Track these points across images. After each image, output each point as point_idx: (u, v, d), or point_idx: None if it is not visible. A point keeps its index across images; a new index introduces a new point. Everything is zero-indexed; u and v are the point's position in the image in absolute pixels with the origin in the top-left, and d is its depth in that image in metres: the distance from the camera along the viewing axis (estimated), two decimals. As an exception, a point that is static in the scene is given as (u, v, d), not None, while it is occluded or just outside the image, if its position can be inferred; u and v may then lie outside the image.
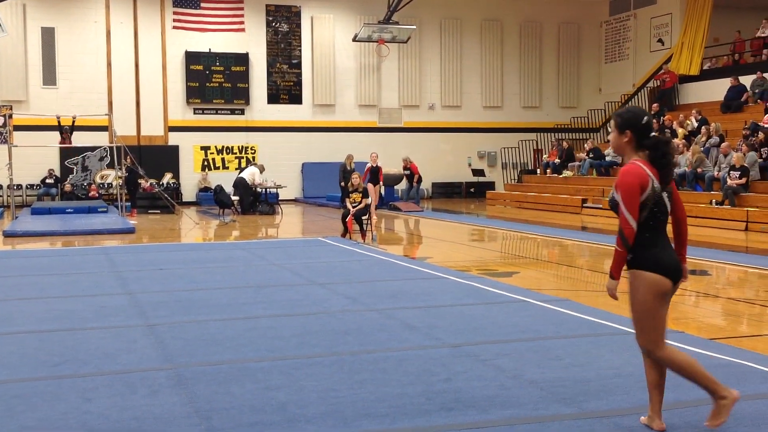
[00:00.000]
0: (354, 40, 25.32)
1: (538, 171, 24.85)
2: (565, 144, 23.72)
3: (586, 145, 22.91)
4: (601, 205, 18.36)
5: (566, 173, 22.57)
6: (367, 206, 13.96)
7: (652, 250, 3.86)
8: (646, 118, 3.96)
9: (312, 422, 4.19)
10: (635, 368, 4.79)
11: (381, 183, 18.32)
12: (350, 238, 13.49)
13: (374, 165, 17.79)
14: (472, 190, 27.01)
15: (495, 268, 10.38)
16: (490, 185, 26.74)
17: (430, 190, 26.94)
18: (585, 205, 19.48)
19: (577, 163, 22.32)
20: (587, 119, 26.88)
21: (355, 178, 14.19)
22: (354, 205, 13.78)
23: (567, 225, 16.34)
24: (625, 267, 3.94)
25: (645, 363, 4.05)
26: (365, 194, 14.03)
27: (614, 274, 3.94)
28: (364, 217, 13.86)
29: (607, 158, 21.11)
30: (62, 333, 6.31)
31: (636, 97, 25.19)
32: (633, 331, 4.05)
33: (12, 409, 4.38)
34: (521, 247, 13.82)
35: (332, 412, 4.35)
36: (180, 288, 8.54)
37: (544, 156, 25.11)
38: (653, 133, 3.93)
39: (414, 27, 25.33)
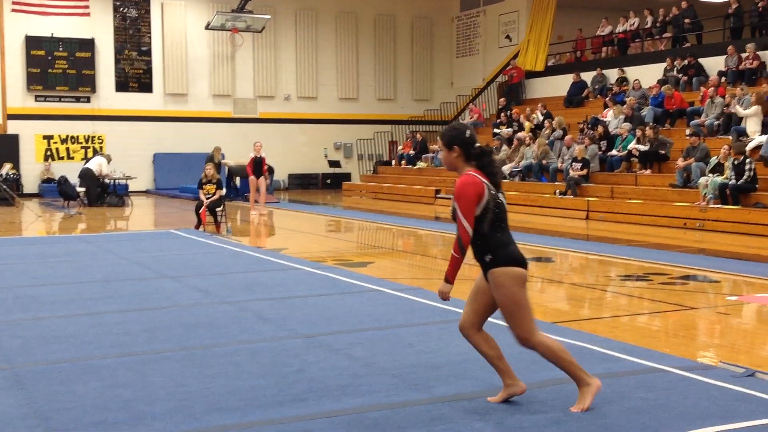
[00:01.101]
0: (207, 28, 24.77)
1: (393, 162, 25.19)
2: (419, 136, 24.15)
3: (439, 138, 23.40)
4: (452, 196, 18.79)
5: (420, 164, 22.99)
6: (222, 197, 13.70)
7: (507, 248, 4.11)
8: (468, 131, 4.25)
9: (159, 419, 4.06)
10: (483, 353, 4.94)
11: (265, 174, 18.01)
12: (204, 230, 13.20)
13: (257, 155, 17.49)
14: (328, 181, 27.04)
15: (350, 259, 10.43)
16: (347, 176, 26.87)
17: (287, 182, 26.78)
18: (438, 195, 19.91)
19: (430, 155, 22.77)
20: (440, 112, 27.47)
21: (209, 169, 13.89)
22: (208, 196, 13.49)
23: (421, 215, 16.65)
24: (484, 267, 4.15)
25: (475, 343, 4.27)
26: (219, 185, 13.77)
27: (450, 279, 4.15)
28: (218, 209, 13.59)
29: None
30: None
31: (486, 91, 25.98)
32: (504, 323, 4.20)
33: None
34: (376, 237, 13.96)
35: (181, 407, 4.24)
36: (19, 284, 8.09)
37: (399, 147, 25.48)
38: (477, 144, 4.21)
39: (269, 16, 25.07)
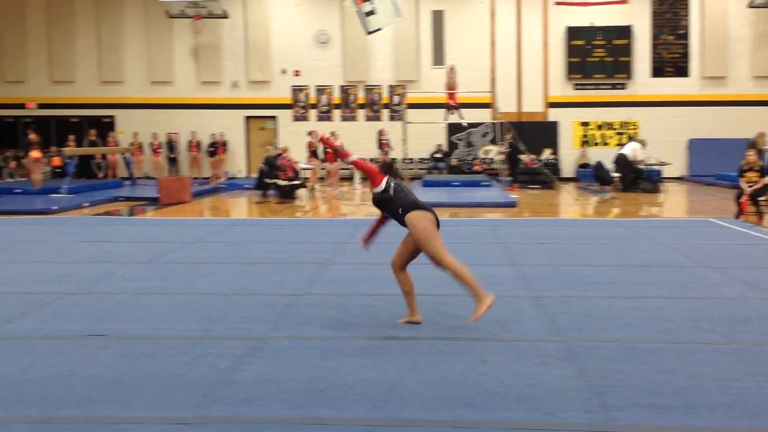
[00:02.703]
0: (750, 6, 23.23)
1: None
2: None
3: None
4: None
5: None
6: (766, 186, 12.78)
7: (413, 201, 5.64)
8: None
9: (713, 411, 3.95)
10: None
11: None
12: (745, 220, 12.47)
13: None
14: None
15: None
16: None
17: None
18: None
19: None
20: None
21: (751, 156, 13.06)
22: (750, 184, 12.69)
23: None
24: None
25: (398, 278, 5.78)
26: (763, 173, 12.85)
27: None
28: (761, 198, 12.71)
29: None
30: (455, 298, 6.64)
31: None
32: None
33: (416, 364, 4.72)
34: None
35: (734, 402, 4.06)
36: (563, 262, 8.56)
37: None
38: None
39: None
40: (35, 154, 18.72)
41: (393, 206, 5.67)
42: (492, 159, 24.67)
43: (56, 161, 22.17)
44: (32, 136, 19.21)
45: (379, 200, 5.77)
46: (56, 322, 5.81)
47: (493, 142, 24.00)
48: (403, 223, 5.63)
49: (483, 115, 23.82)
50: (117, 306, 6.35)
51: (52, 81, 25.49)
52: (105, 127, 25.15)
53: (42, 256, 9.09)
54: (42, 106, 25.52)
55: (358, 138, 24.30)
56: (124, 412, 3.90)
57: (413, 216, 5.54)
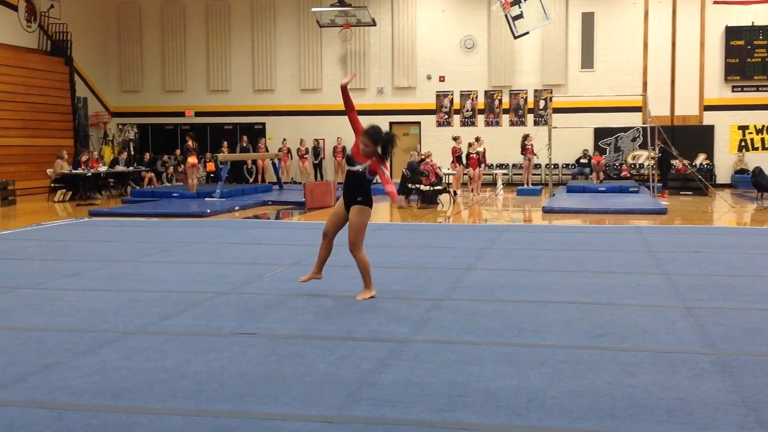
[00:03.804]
0: None
1: None
2: None
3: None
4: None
5: None
6: None
7: (371, 199, 6.71)
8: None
9: None
10: None
11: None
12: None
13: None
14: None
15: None
16: None
17: None
18: None
19: None
20: None
21: None
22: None
23: None
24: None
25: (323, 245, 6.87)
26: None
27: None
28: None
29: None
30: (601, 306, 6.49)
31: None
32: None
33: (560, 372, 4.63)
34: None
35: None
36: (717, 272, 8.16)
37: None
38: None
39: None
40: (192, 159, 19.71)
41: (361, 186, 6.61)
42: (641, 164, 23.87)
43: (210, 166, 23.24)
44: (190, 143, 20.24)
45: (357, 174, 6.58)
46: (209, 319, 6.09)
47: (643, 146, 23.22)
48: (351, 200, 6.61)
49: (633, 120, 23.12)
50: (265, 306, 6.58)
51: (209, 90, 26.77)
52: (256, 133, 26.16)
53: (197, 257, 9.55)
54: (198, 114, 26.84)
55: (502, 143, 24.15)
56: (272, 408, 4.03)
57: (366, 208, 6.62)
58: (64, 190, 20.14)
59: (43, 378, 4.59)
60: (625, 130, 23.54)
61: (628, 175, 23.59)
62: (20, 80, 22.19)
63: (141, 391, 4.32)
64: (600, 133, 23.67)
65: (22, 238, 11.63)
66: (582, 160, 24.12)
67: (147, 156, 24.86)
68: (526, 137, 22.56)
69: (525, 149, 22.41)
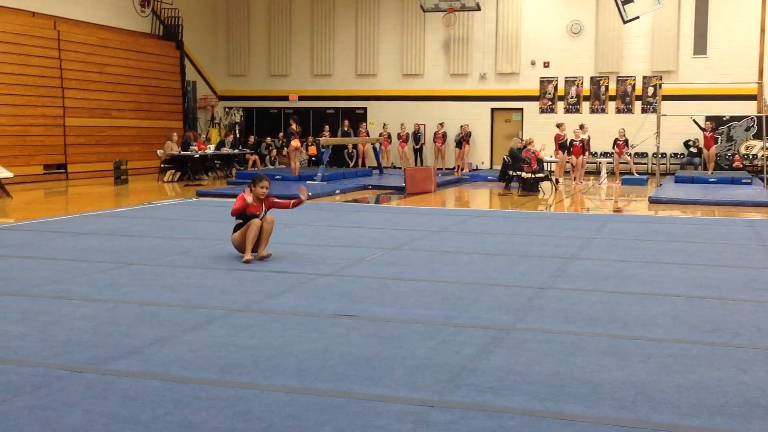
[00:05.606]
0: None
1: None
2: None
3: None
4: None
5: None
6: None
7: None
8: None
9: None
10: None
11: None
12: None
13: None
14: None
15: None
16: None
17: None
18: None
19: None
20: None
21: None
22: None
23: None
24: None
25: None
26: None
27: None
28: None
29: None
30: (712, 301, 6.27)
31: None
32: None
33: (667, 367, 4.50)
34: None
35: None
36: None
37: None
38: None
39: None
40: (295, 143, 19.99)
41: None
42: (755, 155, 22.91)
43: (313, 150, 23.56)
44: (293, 126, 20.55)
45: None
46: (312, 300, 6.18)
47: (757, 136, 22.27)
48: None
49: (747, 108, 22.19)
50: (366, 289, 6.64)
51: (313, 74, 27.13)
52: (357, 118, 26.36)
53: (298, 238, 9.71)
54: (302, 98, 27.24)
55: (606, 131, 23.58)
56: (374, 390, 4.07)
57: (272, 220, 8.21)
58: (173, 171, 20.80)
59: (155, 351, 4.76)
60: (739, 119, 22.62)
61: (741, 165, 22.68)
62: (134, 63, 23.02)
63: (247, 367, 4.43)
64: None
65: (134, 216, 12.08)
66: (691, 149, 23.31)
67: (251, 139, 25.41)
68: (620, 133, 21.99)
69: (616, 144, 21.91)
